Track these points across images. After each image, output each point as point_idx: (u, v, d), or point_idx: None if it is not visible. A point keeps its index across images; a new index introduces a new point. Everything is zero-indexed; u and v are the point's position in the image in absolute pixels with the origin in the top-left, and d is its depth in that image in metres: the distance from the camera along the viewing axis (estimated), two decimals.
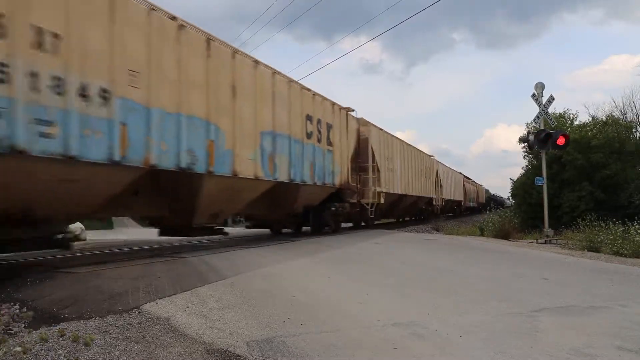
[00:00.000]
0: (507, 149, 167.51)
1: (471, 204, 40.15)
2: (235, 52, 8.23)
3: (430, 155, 25.00)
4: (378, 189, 15.13)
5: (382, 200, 15.58)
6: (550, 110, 15.14)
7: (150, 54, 6.28)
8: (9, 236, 5.40)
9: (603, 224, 11.36)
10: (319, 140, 11.27)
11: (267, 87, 9.14)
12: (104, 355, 3.11)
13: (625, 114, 25.00)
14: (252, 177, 8.48)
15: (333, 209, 12.85)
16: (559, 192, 20.45)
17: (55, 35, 5.01)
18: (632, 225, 10.96)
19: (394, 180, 17.49)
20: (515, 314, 4.33)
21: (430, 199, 24.48)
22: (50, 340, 3.30)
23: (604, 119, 22.78)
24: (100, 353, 3.14)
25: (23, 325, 3.70)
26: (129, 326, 3.66)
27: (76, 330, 3.49)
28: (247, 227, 13.38)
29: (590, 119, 23.71)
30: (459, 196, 34.16)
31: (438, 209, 26.81)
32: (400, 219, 24.09)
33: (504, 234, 13.79)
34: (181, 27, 6.87)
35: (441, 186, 26.89)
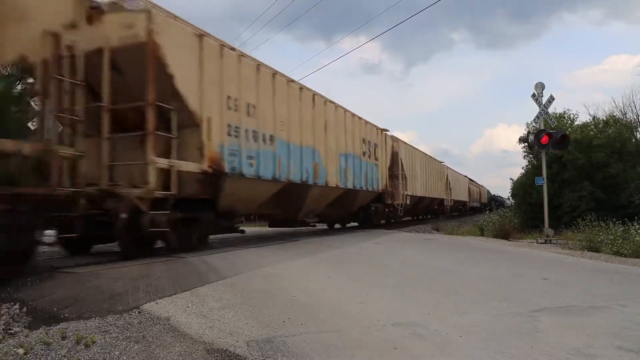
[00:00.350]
0: (507, 149, 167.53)
1: (475, 204, 41.98)
2: (326, 100, 12.14)
3: (441, 162, 28.65)
4: (405, 192, 18.81)
5: (408, 202, 19.37)
6: (551, 110, 15.14)
7: (289, 110, 10.07)
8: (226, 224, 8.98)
9: (603, 224, 11.36)
10: (369, 157, 14.99)
11: (341, 121, 12.95)
12: (104, 355, 3.11)
13: (625, 114, 24.98)
14: (334, 186, 12.27)
15: (373, 208, 16.23)
16: (559, 192, 20.43)
17: (253, 106, 8.73)
18: (632, 225, 10.97)
19: (416, 185, 21.09)
20: (515, 314, 4.33)
21: (442, 199, 27.89)
22: (50, 340, 3.30)
23: (605, 118, 22.77)
24: (100, 353, 3.14)
25: (23, 325, 3.70)
26: (129, 326, 3.66)
27: (76, 330, 3.49)
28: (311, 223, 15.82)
29: (591, 118, 23.69)
30: (464, 197, 36.65)
31: (448, 209, 29.83)
32: (420, 217, 27.30)
33: (504, 234, 13.79)
34: (301, 89, 10.78)
35: (450, 188, 29.89)
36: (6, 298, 4.39)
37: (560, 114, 23.76)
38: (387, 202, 17.25)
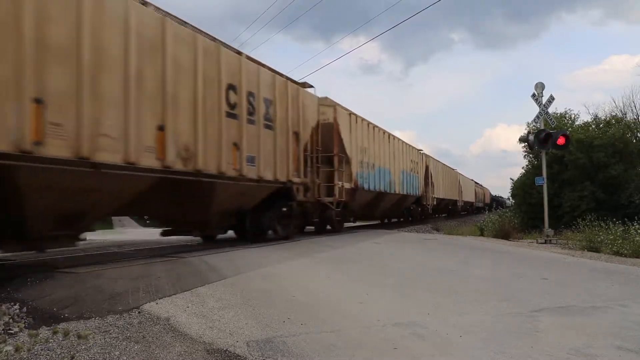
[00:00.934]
0: (506, 149, 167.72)
1: (479, 204, 48.65)
2: (394, 137, 18.33)
3: (454, 169, 33.56)
4: (433, 195, 24.96)
5: (435, 203, 25.58)
6: (551, 110, 15.14)
7: (379, 147, 16.29)
8: None
9: (603, 224, 11.36)
10: (412, 170, 20.85)
11: (399, 148, 18.91)
12: (104, 355, 3.11)
13: (625, 114, 24.98)
14: (399, 193, 18.61)
15: (412, 208, 22.53)
16: (560, 192, 20.43)
17: (366, 148, 14.87)
18: (632, 225, 10.97)
19: (439, 190, 26.93)
20: (515, 314, 4.32)
21: (455, 200, 32.86)
22: (50, 340, 3.30)
23: (606, 118, 22.76)
24: (100, 353, 3.14)
25: (23, 325, 3.70)
26: (129, 326, 3.66)
27: (76, 330, 3.49)
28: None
29: (593, 118, 23.68)
30: (471, 198, 43.15)
31: (460, 208, 35.13)
32: (442, 214, 31.38)
33: (504, 234, 13.78)
34: (383, 132, 17.01)
35: (462, 191, 35.43)
36: (6, 298, 4.39)
37: (561, 114, 23.77)
38: (423, 203, 23.43)
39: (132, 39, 6.02)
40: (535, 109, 13.53)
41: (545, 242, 12.30)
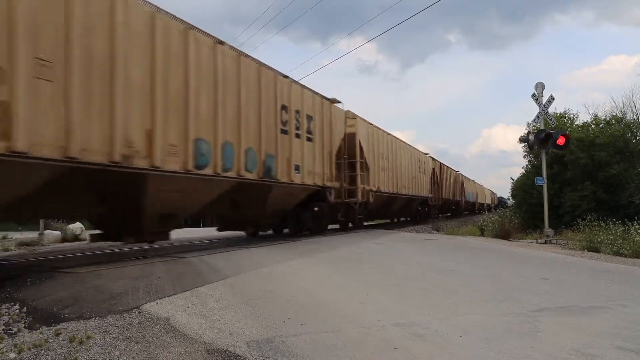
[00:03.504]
0: (504, 149, 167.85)
1: (491, 205, 55.52)
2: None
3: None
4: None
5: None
6: (551, 110, 15.13)
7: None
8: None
9: (603, 224, 11.36)
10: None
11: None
12: (104, 355, 3.11)
13: (625, 114, 24.95)
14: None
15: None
16: (560, 192, 20.41)
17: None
18: (632, 225, 10.97)
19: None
20: (515, 314, 4.32)
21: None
22: (50, 340, 3.30)
23: (606, 118, 22.73)
24: (100, 353, 3.14)
25: (23, 325, 3.70)
26: (129, 326, 3.66)
27: (76, 331, 3.49)
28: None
29: (593, 118, 23.64)
30: (482, 200, 49.83)
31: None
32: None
33: (504, 234, 13.78)
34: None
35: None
36: (6, 298, 4.40)
37: (560, 113, 23.75)
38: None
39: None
40: (534, 109, 13.54)
41: (545, 242, 12.30)
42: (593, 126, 21.59)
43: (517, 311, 4.43)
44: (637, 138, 21.96)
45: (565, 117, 23.70)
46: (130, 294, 4.51)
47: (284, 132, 9.94)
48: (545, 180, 13.51)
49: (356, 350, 3.31)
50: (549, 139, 12.91)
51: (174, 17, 7.03)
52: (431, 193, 25.23)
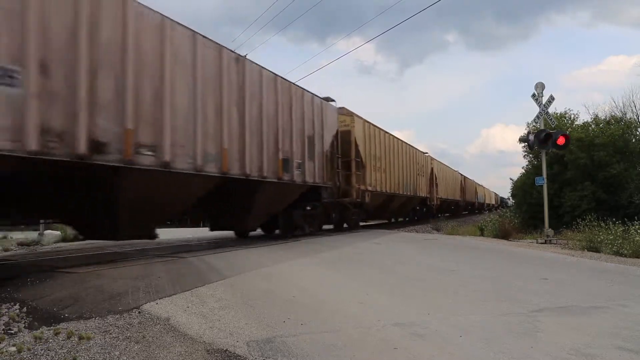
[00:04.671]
0: (503, 149, 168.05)
1: (495, 205, 58.67)
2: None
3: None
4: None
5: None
6: (551, 110, 15.12)
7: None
8: None
9: (603, 224, 11.36)
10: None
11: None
12: (104, 355, 3.11)
13: (625, 114, 24.94)
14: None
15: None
16: (560, 192, 20.40)
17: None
18: (632, 225, 10.96)
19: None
20: (515, 314, 4.32)
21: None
22: (50, 340, 3.30)
23: (606, 118, 22.73)
24: (100, 353, 3.14)
25: (23, 325, 3.70)
26: (129, 326, 3.66)
27: (76, 330, 3.49)
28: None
29: (593, 117, 23.64)
30: (487, 200, 51.80)
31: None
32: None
33: (504, 234, 13.77)
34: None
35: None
36: (6, 298, 4.39)
37: (561, 113, 23.74)
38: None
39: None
40: (534, 109, 13.54)
41: (545, 242, 12.29)
42: (593, 126, 21.59)
43: (517, 311, 4.43)
44: (637, 137, 21.97)
45: (565, 117, 23.70)
46: (130, 294, 4.51)
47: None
48: (545, 180, 13.51)
49: (356, 350, 3.31)
50: (549, 139, 12.90)
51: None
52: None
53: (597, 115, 23.53)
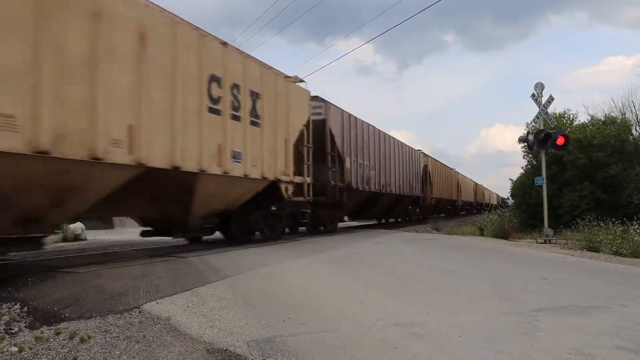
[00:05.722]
0: (502, 149, 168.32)
1: (494, 203, 58.94)
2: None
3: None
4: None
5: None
6: (550, 110, 15.14)
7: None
8: None
9: (603, 224, 11.37)
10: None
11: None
12: (105, 354, 3.12)
13: (624, 114, 24.97)
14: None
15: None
16: (559, 192, 20.43)
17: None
18: (632, 225, 10.98)
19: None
20: (515, 314, 4.33)
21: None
22: (51, 340, 3.31)
23: (603, 119, 22.76)
24: (101, 352, 3.14)
25: (24, 324, 3.71)
26: (129, 326, 3.66)
27: (77, 330, 3.50)
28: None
29: (590, 118, 23.68)
30: (486, 200, 52.39)
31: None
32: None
33: (503, 234, 13.79)
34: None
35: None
36: (7, 298, 4.40)
37: (560, 114, 23.77)
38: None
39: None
40: (533, 109, 13.60)
41: (544, 242, 12.31)
42: (591, 126, 21.62)
43: (517, 311, 4.44)
44: (635, 137, 22.00)
45: (564, 117, 23.73)
46: (131, 293, 4.52)
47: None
48: (544, 180, 13.52)
49: (356, 349, 3.31)
50: (548, 139, 12.92)
51: None
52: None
53: (593, 117, 23.60)
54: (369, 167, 15.54)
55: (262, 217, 9.88)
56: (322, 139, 12.18)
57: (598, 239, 10.48)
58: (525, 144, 21.44)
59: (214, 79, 7.61)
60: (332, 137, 12.61)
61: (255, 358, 3.12)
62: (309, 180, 11.20)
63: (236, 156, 8.22)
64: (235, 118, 8.22)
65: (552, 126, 16.05)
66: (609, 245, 9.86)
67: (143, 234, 8.53)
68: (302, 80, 10.96)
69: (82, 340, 3.30)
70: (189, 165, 7.03)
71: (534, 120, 14.37)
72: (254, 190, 9.12)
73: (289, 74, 10.55)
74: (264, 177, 9.12)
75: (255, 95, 8.83)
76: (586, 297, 5.19)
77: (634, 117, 24.82)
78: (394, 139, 19.13)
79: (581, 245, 10.66)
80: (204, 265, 6.29)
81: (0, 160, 4.51)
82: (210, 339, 3.45)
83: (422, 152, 24.37)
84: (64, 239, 11.92)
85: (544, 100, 13.42)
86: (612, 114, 24.29)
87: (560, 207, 20.02)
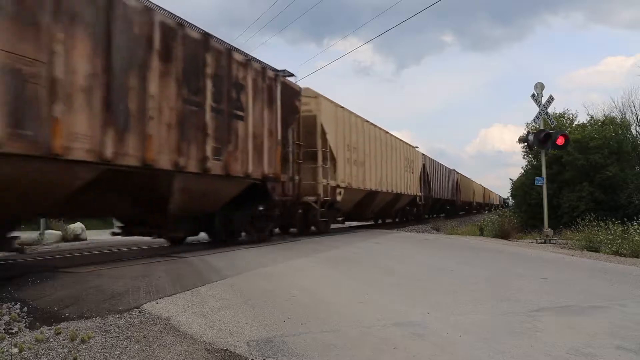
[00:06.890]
0: (501, 149, 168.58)
1: (494, 203, 58.88)
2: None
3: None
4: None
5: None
6: (550, 110, 15.14)
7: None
8: None
9: (602, 224, 11.37)
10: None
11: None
12: (105, 354, 3.12)
13: (624, 114, 24.98)
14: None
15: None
16: (559, 193, 20.44)
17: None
18: (632, 225, 10.97)
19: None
20: (515, 314, 4.33)
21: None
22: (51, 340, 3.31)
23: (602, 119, 22.78)
24: (101, 352, 3.14)
25: (24, 324, 3.71)
26: (129, 326, 3.67)
27: (77, 330, 3.50)
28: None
29: (589, 118, 23.70)
30: (485, 200, 52.31)
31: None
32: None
33: (503, 234, 13.78)
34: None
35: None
36: (7, 298, 4.40)
37: (560, 114, 23.80)
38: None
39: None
40: (532, 109, 13.62)
41: (544, 242, 12.31)
42: (589, 127, 21.64)
43: (516, 311, 4.44)
44: (633, 137, 22.02)
45: (564, 117, 23.75)
46: (131, 293, 4.52)
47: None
48: (544, 180, 13.52)
49: (356, 349, 3.32)
50: (548, 139, 12.91)
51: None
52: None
53: (592, 117, 23.62)
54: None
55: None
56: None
57: (598, 239, 10.48)
58: (526, 144, 21.48)
59: (406, 158, 14.87)
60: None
61: (255, 358, 3.13)
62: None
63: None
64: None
65: (552, 126, 16.04)
66: (609, 245, 9.86)
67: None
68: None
69: (82, 341, 3.30)
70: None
71: (534, 120, 14.36)
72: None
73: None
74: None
75: (411, 160, 12.99)
76: (586, 297, 5.19)
77: (634, 117, 24.84)
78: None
79: (581, 245, 10.66)
80: (203, 265, 6.29)
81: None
82: (210, 339, 3.45)
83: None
84: (64, 239, 11.92)
85: (544, 100, 13.42)
86: (612, 114, 24.31)
87: (559, 207, 20.05)
